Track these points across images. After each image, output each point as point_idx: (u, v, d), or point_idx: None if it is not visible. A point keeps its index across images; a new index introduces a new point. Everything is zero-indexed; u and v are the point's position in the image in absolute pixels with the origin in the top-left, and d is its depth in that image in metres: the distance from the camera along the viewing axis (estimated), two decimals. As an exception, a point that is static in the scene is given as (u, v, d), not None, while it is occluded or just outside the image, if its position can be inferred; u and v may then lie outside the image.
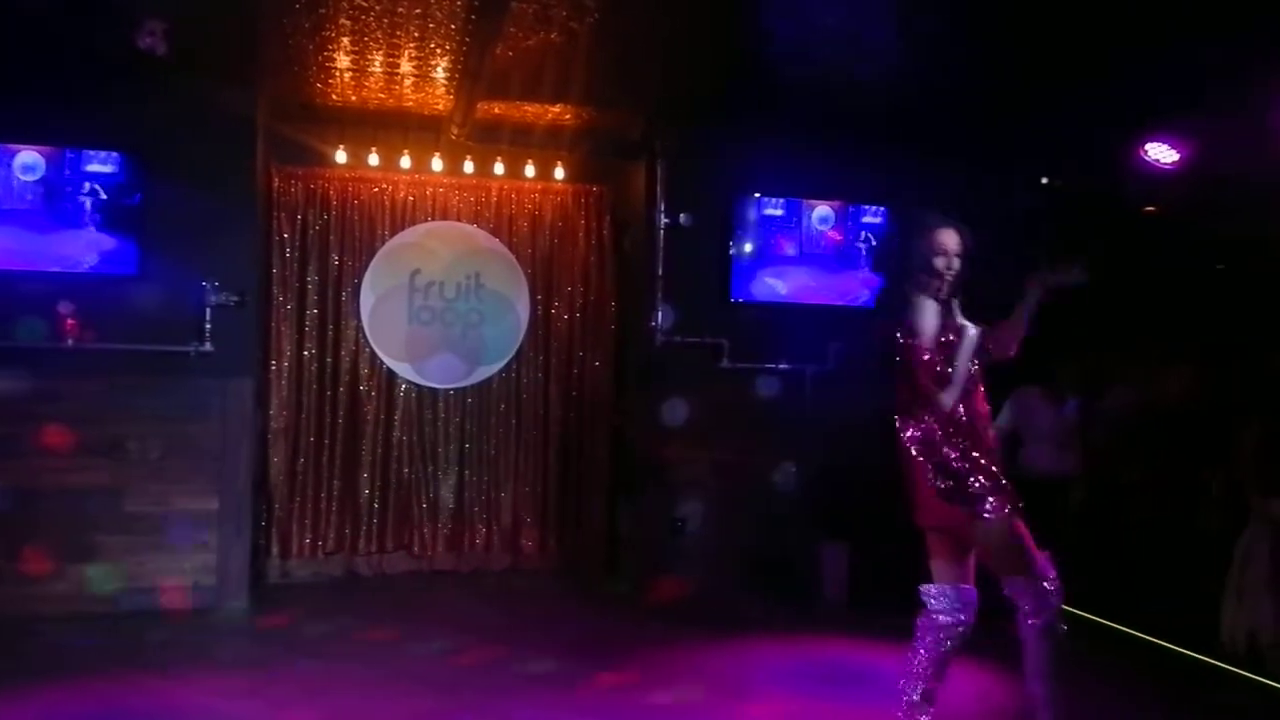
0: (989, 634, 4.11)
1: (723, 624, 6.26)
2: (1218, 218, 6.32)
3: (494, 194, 7.82)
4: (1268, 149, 5.65)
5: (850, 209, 7.50)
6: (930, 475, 3.89)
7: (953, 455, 3.85)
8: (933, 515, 3.96)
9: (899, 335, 3.99)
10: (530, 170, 7.71)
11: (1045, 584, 3.86)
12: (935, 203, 7.29)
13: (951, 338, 3.95)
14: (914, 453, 3.95)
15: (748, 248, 7.34)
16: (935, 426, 3.91)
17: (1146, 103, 5.82)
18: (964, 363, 3.91)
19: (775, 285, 7.43)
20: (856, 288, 7.53)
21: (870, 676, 5.37)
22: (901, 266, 4.18)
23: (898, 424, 4.06)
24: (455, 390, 7.76)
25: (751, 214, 7.35)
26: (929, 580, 4.05)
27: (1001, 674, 5.02)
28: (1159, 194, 6.45)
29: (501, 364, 7.83)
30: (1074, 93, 6.14)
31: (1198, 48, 5.14)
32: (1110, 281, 7.02)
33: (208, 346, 6.39)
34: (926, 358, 3.88)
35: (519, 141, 7.59)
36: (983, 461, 3.85)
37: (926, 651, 3.95)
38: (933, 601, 3.98)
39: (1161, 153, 5.97)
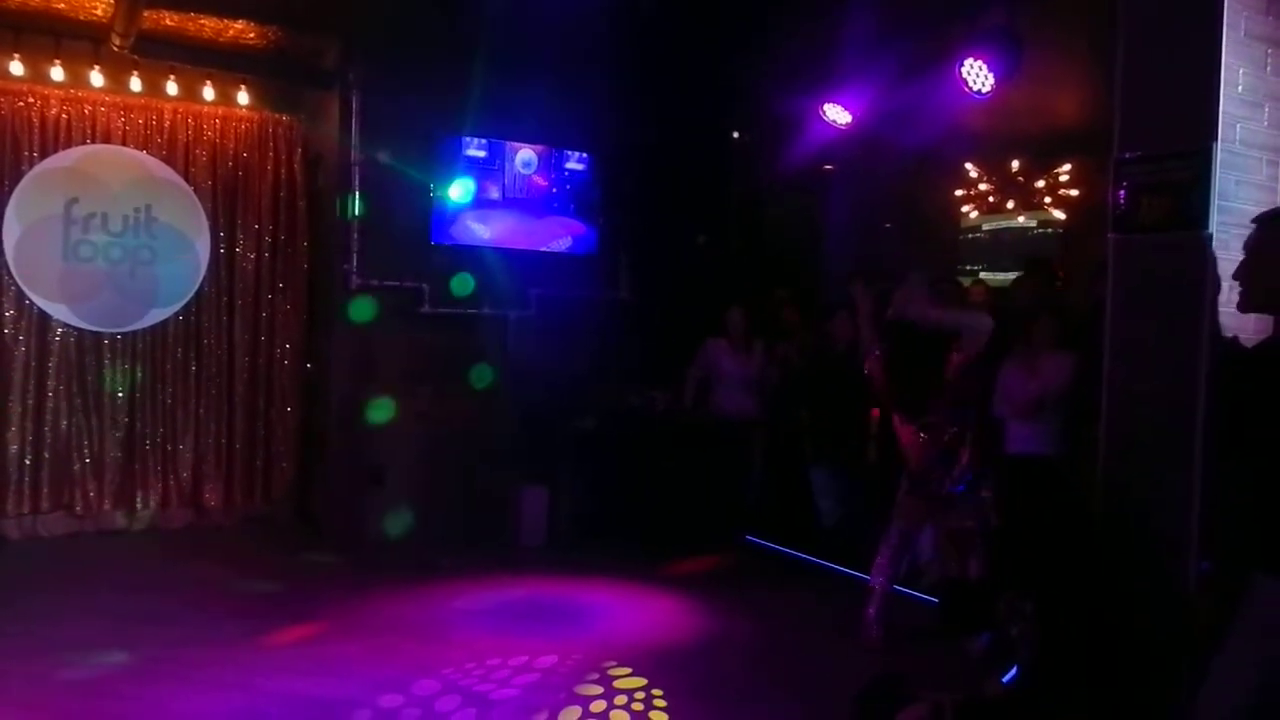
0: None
1: (421, 571, 6.15)
2: (885, 176, 6.88)
3: (167, 117, 7.07)
4: (930, 117, 6.23)
5: (554, 154, 7.48)
6: None
7: None
8: None
9: None
10: (210, 93, 7.04)
11: None
12: (634, 152, 7.53)
13: None
14: None
15: (450, 190, 7.15)
16: None
17: (827, 66, 6.21)
18: None
19: (478, 229, 7.30)
20: (559, 234, 7.56)
21: (565, 612, 5.51)
22: None
23: None
24: (123, 334, 7.02)
25: (454, 154, 7.16)
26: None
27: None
28: (835, 153, 6.92)
29: (178, 306, 7.16)
30: (764, 51, 6.45)
31: (874, 15, 5.54)
32: (789, 234, 7.50)
33: None
34: None
35: (196, 60, 6.91)
36: None
37: None
38: None
39: (837, 114, 6.39)
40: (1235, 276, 3.09)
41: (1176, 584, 3.57)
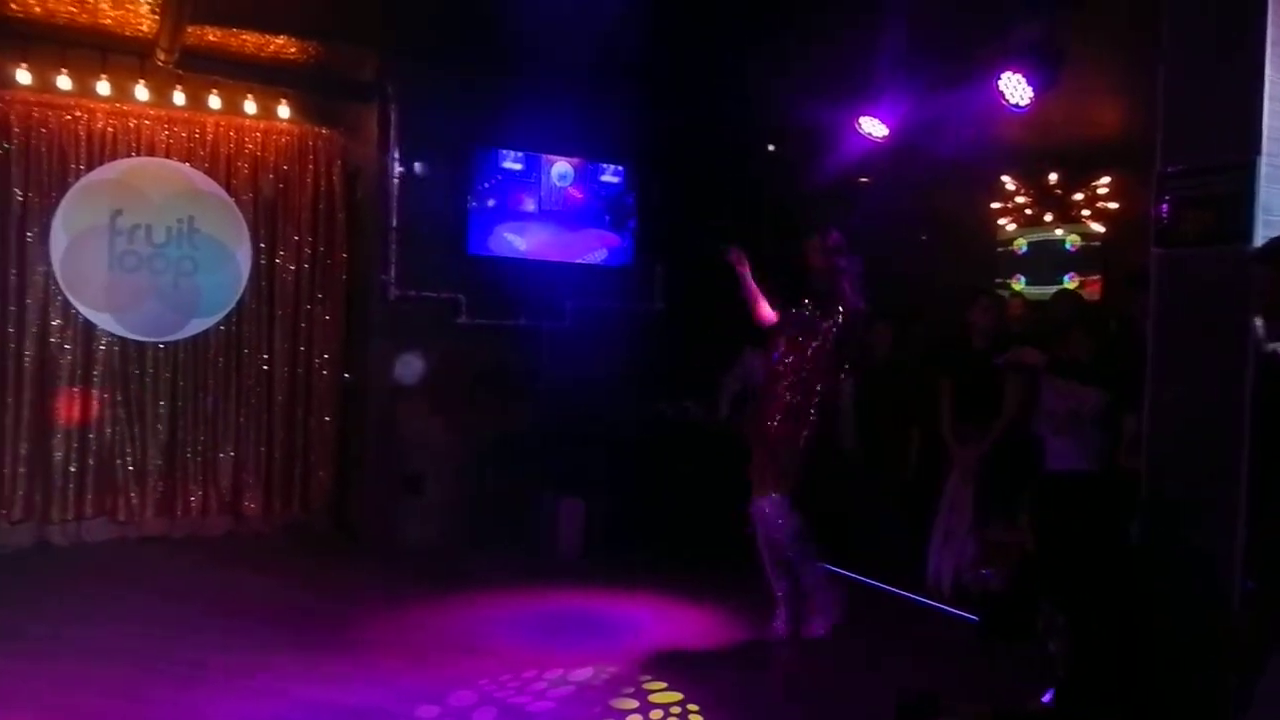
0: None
1: (456, 580, 6.17)
2: (920, 188, 6.84)
3: (209, 131, 7.19)
4: (967, 129, 6.19)
5: (589, 166, 7.53)
6: None
7: None
8: None
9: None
10: (251, 107, 7.15)
11: None
12: (669, 165, 7.54)
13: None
14: None
15: (487, 201, 7.21)
16: None
17: (862, 78, 6.19)
18: None
19: (514, 241, 7.36)
20: (595, 245, 7.60)
21: (601, 623, 5.51)
22: None
23: None
24: (166, 344, 7.14)
25: (490, 167, 7.22)
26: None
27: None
28: (872, 165, 6.89)
29: (220, 316, 7.27)
30: (799, 63, 6.45)
31: (911, 28, 5.52)
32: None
33: None
34: None
35: (238, 74, 7.03)
36: None
37: None
38: None
39: (873, 126, 6.37)
40: (1260, 313, 3.08)
41: (1221, 602, 3.53)
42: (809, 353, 5.18)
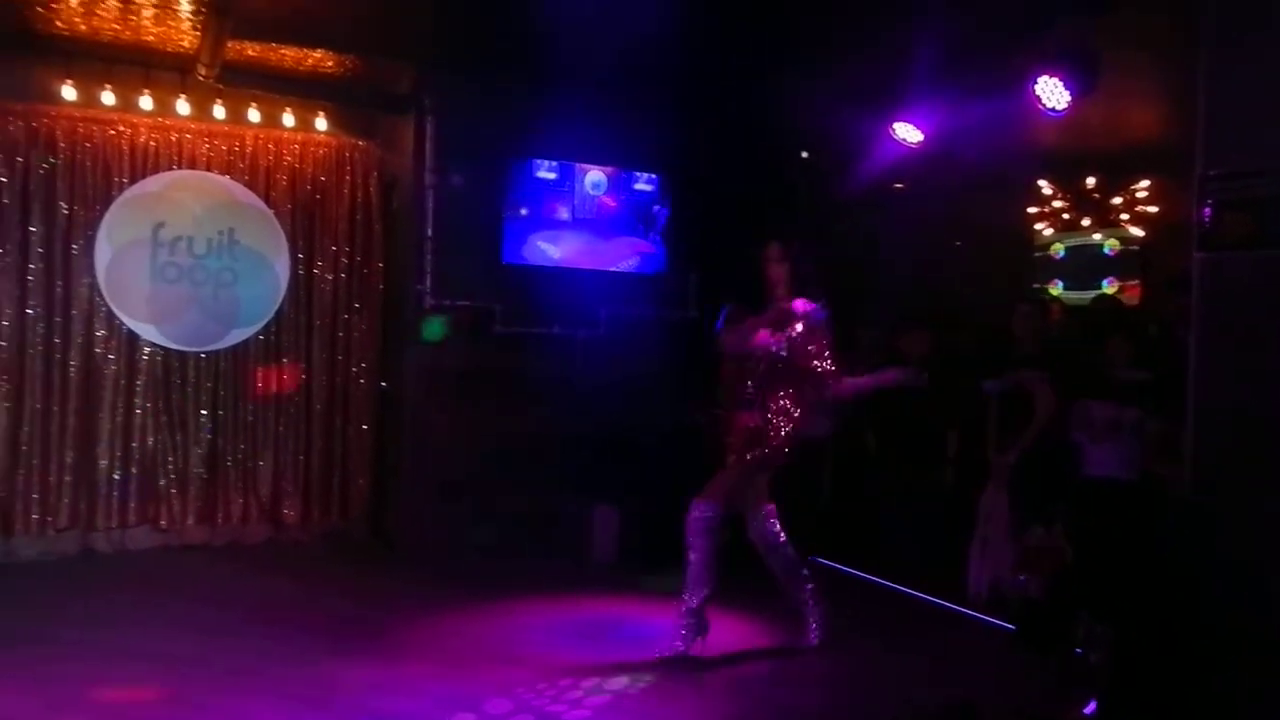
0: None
1: (492, 587, 6.19)
2: (955, 194, 6.80)
3: (249, 143, 7.30)
4: (1002, 134, 6.15)
5: (623, 175, 7.55)
6: None
7: None
8: None
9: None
10: (289, 119, 7.26)
11: None
12: (702, 172, 7.55)
13: None
14: None
15: (521, 211, 7.26)
16: None
17: (896, 84, 6.16)
18: None
19: (548, 249, 7.39)
20: (628, 253, 7.62)
21: (637, 631, 5.49)
22: None
23: None
24: (207, 354, 7.24)
25: (525, 176, 7.27)
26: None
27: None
28: (906, 171, 6.86)
29: (259, 326, 7.36)
30: (833, 70, 6.43)
31: (945, 32, 5.49)
32: (858, 251, 7.44)
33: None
34: None
35: (277, 88, 7.14)
36: None
37: None
38: None
39: (908, 132, 6.34)
40: None
41: (1266, 610, 3.47)
42: (768, 362, 5.00)
